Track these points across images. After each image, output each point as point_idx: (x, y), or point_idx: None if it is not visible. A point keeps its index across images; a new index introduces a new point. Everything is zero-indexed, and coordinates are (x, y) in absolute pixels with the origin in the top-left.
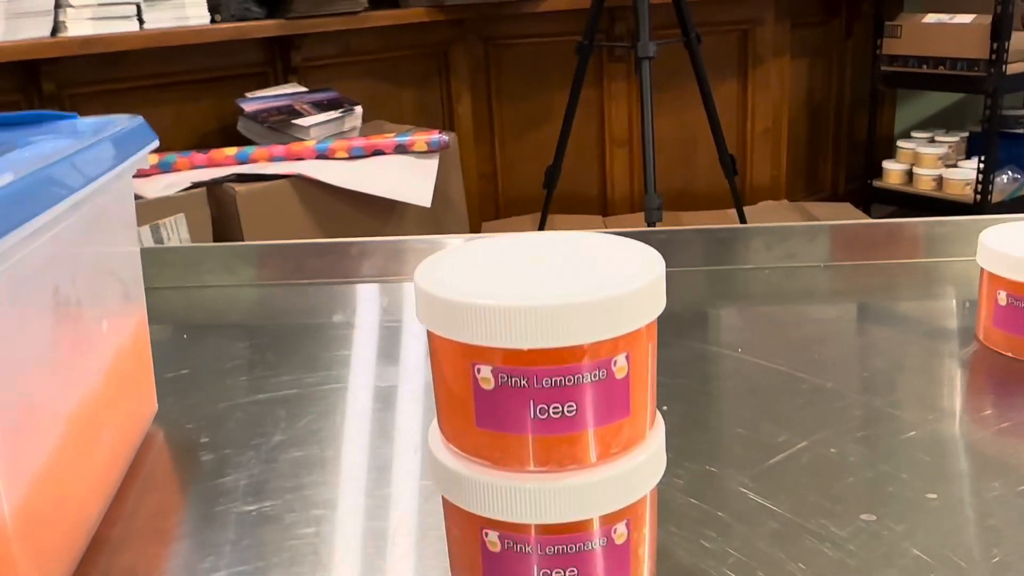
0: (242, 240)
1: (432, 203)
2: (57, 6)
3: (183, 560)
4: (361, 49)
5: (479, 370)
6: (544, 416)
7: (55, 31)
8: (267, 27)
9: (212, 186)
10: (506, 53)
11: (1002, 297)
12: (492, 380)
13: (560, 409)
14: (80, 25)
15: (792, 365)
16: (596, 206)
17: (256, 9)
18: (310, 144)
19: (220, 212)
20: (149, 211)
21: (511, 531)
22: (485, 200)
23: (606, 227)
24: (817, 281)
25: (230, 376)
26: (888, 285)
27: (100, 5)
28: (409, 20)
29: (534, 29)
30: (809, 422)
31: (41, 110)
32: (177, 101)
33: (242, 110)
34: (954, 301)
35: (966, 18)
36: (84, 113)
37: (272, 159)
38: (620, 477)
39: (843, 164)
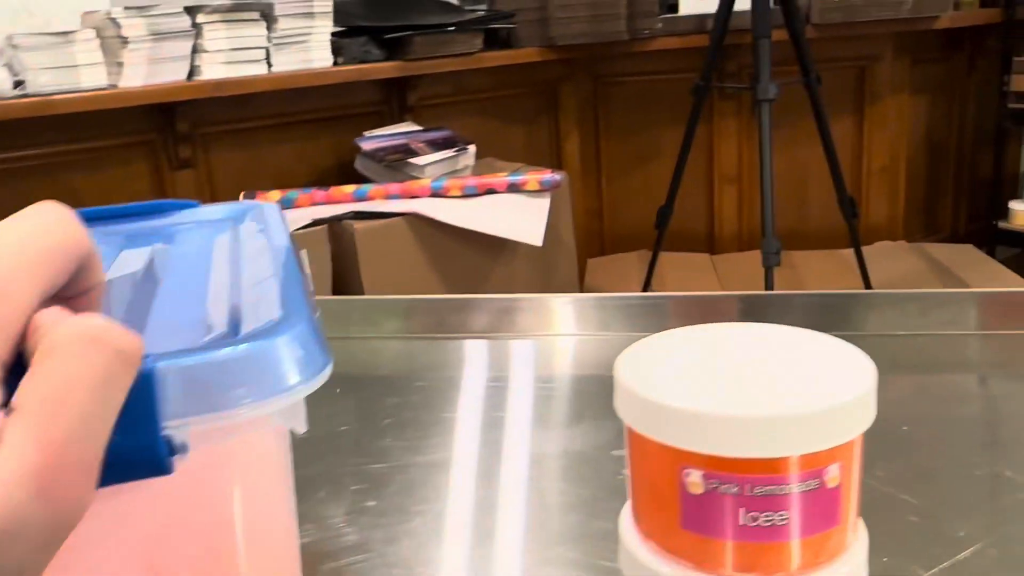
0: (359, 276)
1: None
2: (194, 51)
3: None
4: (473, 88)
5: (688, 474)
6: (753, 523)
7: (191, 75)
8: (385, 69)
9: (331, 223)
10: (614, 90)
11: None
12: (701, 485)
13: (771, 518)
14: (214, 69)
15: (963, 447)
16: (703, 243)
17: (376, 52)
18: (425, 182)
19: (339, 248)
20: None
21: None
22: (591, 237)
23: (715, 267)
24: (975, 351)
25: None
26: None
27: (232, 50)
28: (521, 60)
29: (643, 67)
30: (990, 514)
31: (162, 200)
32: (298, 139)
33: (360, 148)
34: None
35: None
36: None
37: (388, 197)
38: None
39: (964, 204)
